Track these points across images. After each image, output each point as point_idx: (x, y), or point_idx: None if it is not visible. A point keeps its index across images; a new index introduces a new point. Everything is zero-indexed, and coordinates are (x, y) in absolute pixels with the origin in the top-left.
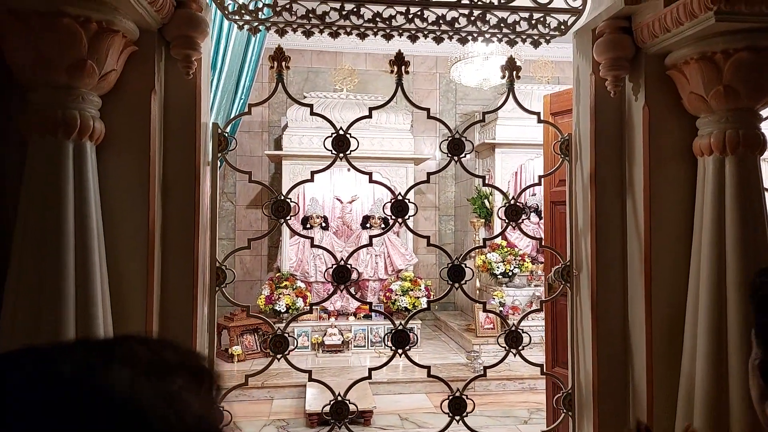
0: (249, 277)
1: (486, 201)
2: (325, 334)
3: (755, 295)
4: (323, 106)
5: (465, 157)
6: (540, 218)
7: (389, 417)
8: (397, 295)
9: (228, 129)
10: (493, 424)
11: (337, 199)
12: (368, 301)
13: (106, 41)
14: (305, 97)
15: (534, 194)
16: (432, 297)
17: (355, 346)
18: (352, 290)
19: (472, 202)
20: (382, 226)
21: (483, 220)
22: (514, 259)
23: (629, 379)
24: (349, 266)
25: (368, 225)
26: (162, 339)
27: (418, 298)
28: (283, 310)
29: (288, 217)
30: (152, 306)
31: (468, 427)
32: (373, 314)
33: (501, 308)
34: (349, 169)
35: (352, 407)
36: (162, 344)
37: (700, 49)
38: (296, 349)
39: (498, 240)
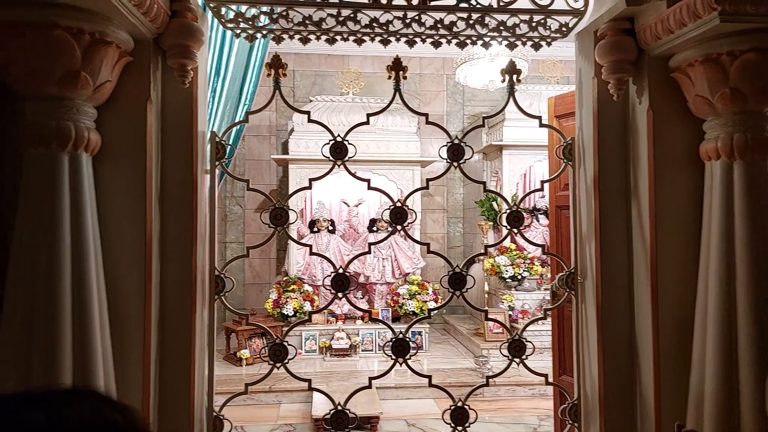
0: (258, 280)
1: (494, 203)
2: (332, 338)
3: None
4: (329, 110)
5: (464, 162)
6: None
7: (396, 423)
8: (404, 299)
9: (230, 137)
10: (503, 431)
11: (344, 202)
12: (376, 304)
13: (100, 52)
14: (311, 101)
15: (543, 196)
16: (440, 301)
17: (363, 350)
18: (359, 294)
19: (480, 205)
20: (389, 229)
21: (491, 223)
22: (523, 263)
23: (636, 389)
24: (348, 274)
25: (375, 228)
26: (93, 397)
27: (426, 302)
28: (290, 314)
29: (286, 225)
30: (150, 315)
31: None
32: (381, 317)
33: (510, 312)
34: (354, 173)
35: (352, 416)
36: (71, 406)
37: (705, 50)
38: (304, 353)
39: (507, 243)
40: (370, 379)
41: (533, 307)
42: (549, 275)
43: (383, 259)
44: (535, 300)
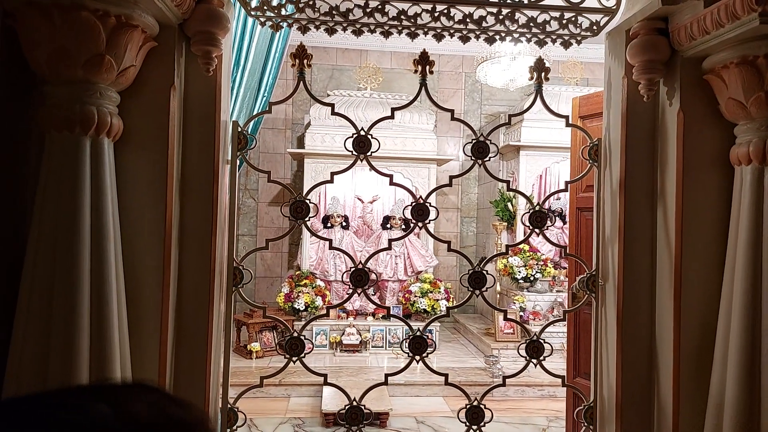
0: (270, 273)
1: (509, 204)
2: (343, 334)
3: None
4: (346, 105)
5: (489, 160)
6: (564, 223)
7: (406, 420)
8: (416, 296)
9: (249, 127)
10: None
11: (358, 198)
12: (387, 301)
13: (125, 36)
14: (328, 95)
15: (558, 198)
16: (452, 300)
17: (372, 347)
18: (370, 291)
19: (494, 205)
20: (403, 227)
21: (505, 224)
22: (536, 264)
23: (654, 394)
24: (367, 269)
25: (389, 225)
26: (157, 393)
27: (438, 300)
28: (302, 309)
29: (307, 218)
30: (168, 305)
31: None
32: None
33: (521, 313)
34: (370, 169)
35: (367, 412)
36: (136, 400)
37: (741, 52)
38: (314, 348)
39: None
40: (386, 375)
41: (545, 308)
42: (562, 278)
43: (396, 256)
44: (546, 302)
